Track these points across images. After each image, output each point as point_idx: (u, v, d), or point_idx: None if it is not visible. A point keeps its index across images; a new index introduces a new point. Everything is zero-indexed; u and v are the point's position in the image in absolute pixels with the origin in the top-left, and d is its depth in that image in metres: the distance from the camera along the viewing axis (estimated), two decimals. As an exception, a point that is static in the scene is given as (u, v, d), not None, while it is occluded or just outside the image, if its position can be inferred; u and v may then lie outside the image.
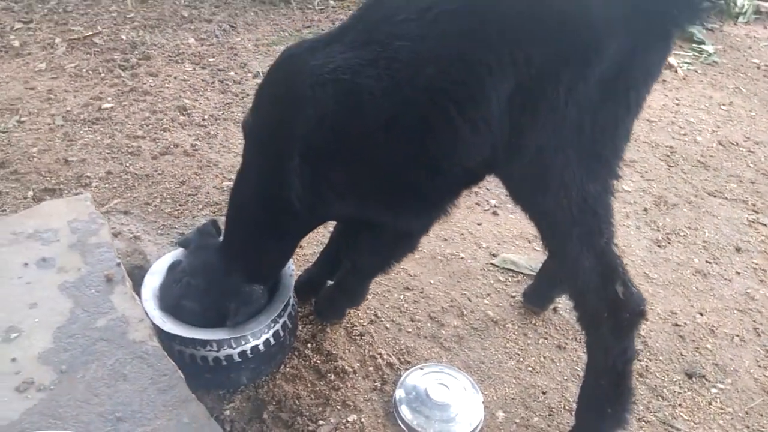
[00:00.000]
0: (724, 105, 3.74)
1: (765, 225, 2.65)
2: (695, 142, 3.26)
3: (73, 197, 1.99)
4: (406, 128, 1.34)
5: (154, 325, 1.60)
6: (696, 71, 4.19)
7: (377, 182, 1.46)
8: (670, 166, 3.01)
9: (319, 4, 4.66)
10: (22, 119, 3.03)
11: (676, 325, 2.09)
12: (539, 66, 1.24)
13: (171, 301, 1.65)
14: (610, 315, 1.40)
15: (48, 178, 2.61)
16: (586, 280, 1.40)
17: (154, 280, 1.73)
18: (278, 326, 1.72)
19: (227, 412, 1.70)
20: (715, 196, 2.81)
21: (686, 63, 4.28)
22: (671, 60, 4.16)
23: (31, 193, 2.52)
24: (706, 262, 2.40)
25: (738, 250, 2.48)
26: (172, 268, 1.71)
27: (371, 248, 1.72)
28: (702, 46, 4.54)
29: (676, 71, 4.11)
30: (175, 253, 1.80)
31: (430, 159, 1.38)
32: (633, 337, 1.47)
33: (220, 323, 1.65)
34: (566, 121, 1.28)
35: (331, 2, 4.72)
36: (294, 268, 1.84)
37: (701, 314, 2.15)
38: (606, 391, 1.50)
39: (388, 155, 1.39)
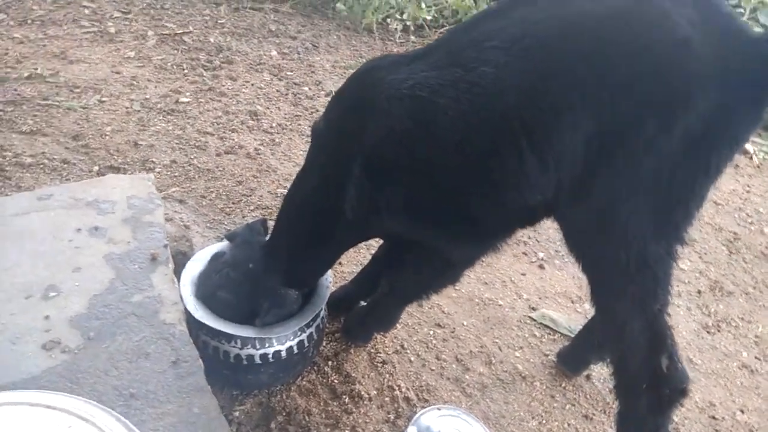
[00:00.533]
0: (798, 201, 3.58)
1: (825, 330, 2.49)
2: (761, 233, 3.12)
3: (137, 175, 2.05)
4: (476, 154, 1.33)
5: (186, 310, 1.62)
6: (773, 162, 4.04)
7: (435, 204, 1.45)
8: (731, 252, 2.89)
9: (399, 38, 4.76)
10: (103, 99, 3.18)
11: (713, 418, 1.97)
12: (624, 111, 1.22)
13: (208, 290, 1.67)
14: (650, 387, 1.34)
15: (115, 157, 2.72)
16: (632, 345, 1.34)
17: (195, 267, 1.75)
18: (304, 336, 1.71)
19: (236, 414, 1.69)
20: (775, 292, 2.67)
21: (763, 151, 4.14)
22: (747, 146, 4.03)
23: (96, 167, 2.63)
24: (755, 357, 2.27)
25: (792, 351, 2.34)
26: (215, 258, 1.73)
27: (414, 271, 1.70)
28: (783, 137, 4.39)
29: (751, 158, 3.98)
30: (221, 245, 1.82)
31: (493, 189, 1.36)
32: (670, 415, 1.38)
33: (250, 321, 1.66)
34: (642, 173, 1.24)
35: (412, 37, 4.81)
36: (331, 280, 1.84)
37: (742, 411, 2.02)
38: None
39: (452, 179, 1.38)
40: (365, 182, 1.42)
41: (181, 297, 1.63)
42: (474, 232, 1.49)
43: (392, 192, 1.45)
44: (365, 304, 1.98)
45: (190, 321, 1.62)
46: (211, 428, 1.37)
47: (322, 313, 1.79)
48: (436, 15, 5.04)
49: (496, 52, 1.29)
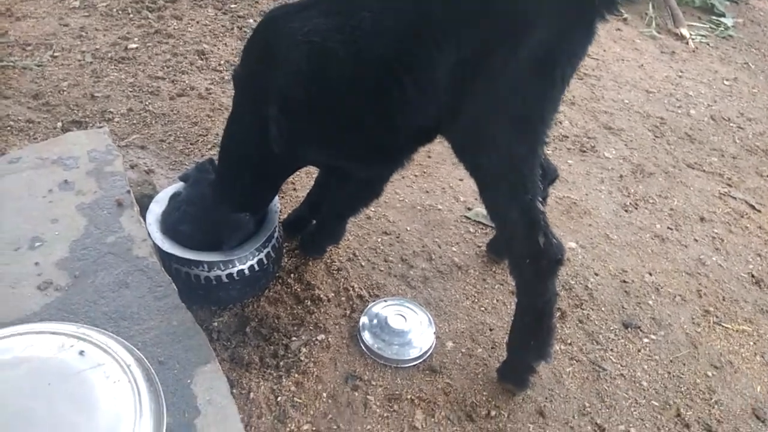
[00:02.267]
0: (727, 80, 3.81)
1: (735, 198, 2.81)
2: (688, 115, 3.38)
3: (93, 130, 2.24)
4: (367, 89, 1.57)
5: (155, 245, 1.88)
6: (708, 44, 4.23)
7: (341, 135, 1.70)
8: (656, 136, 3.15)
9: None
10: (56, 54, 3.29)
11: (624, 281, 2.31)
12: (479, 43, 1.45)
13: (170, 225, 1.93)
14: (532, 261, 1.63)
15: (75, 111, 2.88)
16: (513, 230, 1.62)
17: (157, 207, 2.00)
18: (262, 255, 1.99)
19: (215, 324, 1.99)
20: (693, 168, 2.96)
21: (700, 35, 4.31)
22: (683, 31, 4.21)
23: (60, 124, 2.80)
24: (668, 228, 2.59)
25: (702, 219, 2.65)
26: (173, 197, 1.98)
27: (339, 192, 1.98)
28: (721, 19, 4.55)
29: (687, 43, 4.16)
30: (177, 186, 2.06)
31: (386, 117, 1.61)
32: (552, 281, 1.69)
33: (211, 247, 1.93)
34: (499, 91, 1.48)
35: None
36: (279, 206, 2.09)
37: (650, 274, 2.35)
38: (530, 327, 1.74)
39: (351, 112, 1.62)
40: (282, 120, 1.66)
41: (149, 234, 1.88)
42: (378, 154, 1.75)
43: (306, 127, 1.68)
44: (315, 222, 2.25)
45: (161, 253, 1.88)
46: (189, 335, 1.66)
47: (276, 233, 2.06)
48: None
49: (371, 0, 1.50)
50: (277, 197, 2.07)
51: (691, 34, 4.25)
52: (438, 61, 1.48)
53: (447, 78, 1.49)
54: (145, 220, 1.94)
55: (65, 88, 3.03)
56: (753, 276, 2.41)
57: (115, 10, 3.74)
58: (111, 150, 2.12)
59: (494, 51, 1.45)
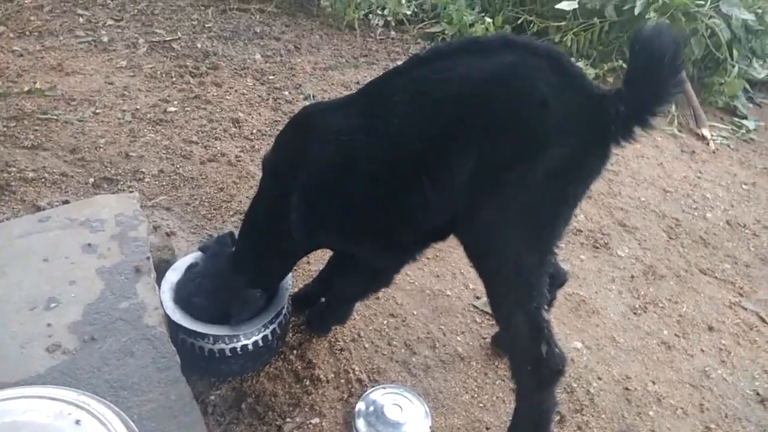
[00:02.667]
0: (746, 184, 3.84)
1: (745, 309, 2.78)
2: (704, 218, 3.40)
3: (124, 194, 2.36)
4: (387, 187, 1.67)
5: (165, 313, 1.94)
6: (729, 146, 4.28)
7: (358, 226, 1.79)
8: (670, 238, 3.17)
9: (380, 34, 4.98)
10: (97, 111, 3.48)
11: (627, 389, 2.29)
12: (499, 155, 1.54)
13: (184, 295, 1.99)
14: (533, 369, 1.66)
15: (109, 168, 3.03)
16: (517, 336, 1.66)
17: (174, 275, 2.08)
18: (268, 331, 2.04)
19: (212, 397, 2.02)
20: (705, 274, 2.96)
21: (722, 136, 4.37)
22: (705, 131, 4.27)
23: (92, 179, 2.94)
24: (675, 335, 2.57)
25: (710, 328, 2.63)
26: (190, 268, 2.05)
27: (350, 277, 2.05)
28: (743, 121, 4.61)
29: (708, 143, 4.22)
30: (196, 255, 2.14)
31: (403, 214, 1.71)
32: (552, 391, 1.70)
33: (220, 321, 1.98)
34: (514, 202, 1.57)
35: (392, 33, 5.04)
36: (291, 283, 2.15)
37: (654, 383, 2.33)
38: (526, 434, 1.75)
39: (371, 206, 1.72)
40: (302, 207, 1.75)
41: (161, 302, 1.95)
42: (391, 247, 1.83)
43: (325, 217, 1.78)
44: (324, 300, 2.30)
45: (170, 323, 1.94)
46: (185, 411, 1.70)
47: (284, 311, 2.11)
48: (416, 10, 5.27)
49: (401, 106, 1.61)
50: (290, 274, 2.14)
51: (712, 135, 4.30)
52: (459, 168, 1.57)
53: (466, 183, 1.58)
54: (160, 287, 2.01)
55: (102, 145, 3.19)
56: (758, 394, 2.36)
57: (159, 72, 3.96)
58: (137, 215, 2.23)
59: (514, 163, 1.53)
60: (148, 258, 2.06)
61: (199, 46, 4.36)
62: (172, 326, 1.95)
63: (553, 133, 1.52)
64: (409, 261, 1.93)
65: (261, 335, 2.02)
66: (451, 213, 1.66)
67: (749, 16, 4.63)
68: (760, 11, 4.81)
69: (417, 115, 1.61)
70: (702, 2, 4.51)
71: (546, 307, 1.66)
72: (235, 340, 1.97)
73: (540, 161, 1.53)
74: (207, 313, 1.97)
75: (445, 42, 4.71)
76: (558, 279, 2.02)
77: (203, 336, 1.94)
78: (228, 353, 1.98)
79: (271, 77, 4.11)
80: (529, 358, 1.65)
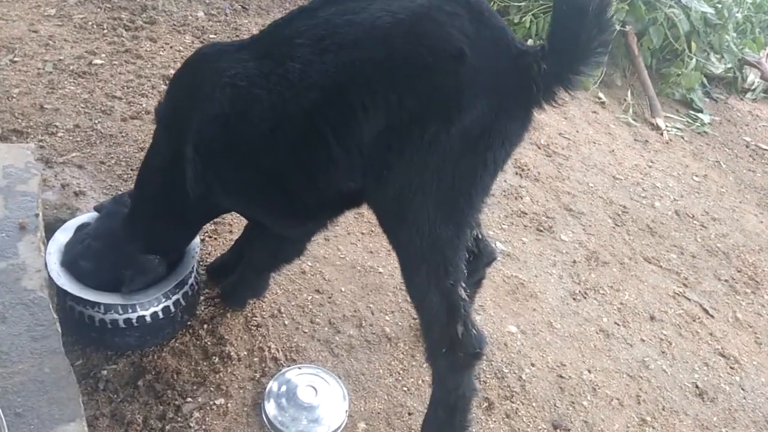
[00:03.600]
0: (697, 176, 3.78)
1: (689, 300, 2.70)
2: (652, 206, 3.31)
3: (17, 144, 2.10)
4: (288, 142, 1.45)
5: (50, 277, 1.71)
6: (683, 138, 4.23)
7: (258, 186, 1.57)
8: (616, 225, 3.07)
9: None
10: (15, 59, 3.16)
11: (561, 376, 2.17)
12: (409, 112, 1.34)
13: (72, 258, 1.76)
14: (448, 352, 1.50)
15: (19, 120, 2.74)
16: (431, 315, 1.50)
17: (63, 236, 1.84)
18: (170, 302, 1.82)
19: (104, 372, 1.80)
20: (649, 262, 2.87)
21: (676, 128, 4.31)
22: (659, 121, 4.21)
23: (0, 131, 2.65)
24: (615, 323, 2.47)
25: (652, 318, 2.54)
26: (80, 228, 1.82)
27: (259, 245, 1.84)
28: (699, 114, 4.57)
29: (661, 134, 4.15)
30: (90, 215, 1.91)
31: (306, 175, 1.49)
32: (468, 375, 1.55)
33: (114, 287, 1.76)
34: (427, 166, 1.38)
35: None
36: (198, 251, 1.94)
37: (589, 371, 2.22)
38: (442, 422, 1.59)
39: (270, 163, 1.50)
40: (198, 162, 1.53)
41: (46, 264, 1.71)
42: (297, 212, 1.62)
43: (222, 173, 1.55)
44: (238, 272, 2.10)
45: (57, 288, 1.71)
46: (59, 386, 1.48)
47: (192, 280, 1.90)
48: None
49: (303, 49, 1.41)
50: (198, 240, 1.92)
51: (666, 126, 4.25)
52: (365, 125, 1.37)
53: (374, 144, 1.39)
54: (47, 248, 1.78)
55: (15, 95, 2.89)
56: (697, 387, 2.28)
57: (90, 23, 3.65)
58: (30, 168, 1.98)
59: (426, 123, 1.35)
60: (36, 215, 1.82)
61: (137, -1, 4.05)
62: (59, 292, 1.72)
63: (469, 90, 1.34)
64: (319, 229, 1.73)
65: (161, 306, 1.80)
66: (360, 175, 1.46)
67: (709, 10, 4.58)
68: (719, 6, 4.77)
69: (317, 62, 1.40)
70: (664, -10, 4.43)
71: (463, 284, 1.49)
72: (129, 310, 1.75)
73: (454, 122, 1.35)
74: (96, 278, 1.74)
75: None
76: (485, 257, 1.86)
77: (93, 304, 1.72)
78: (122, 324, 1.76)
79: (212, 36, 3.84)
80: (444, 340, 1.49)
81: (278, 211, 1.62)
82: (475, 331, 1.49)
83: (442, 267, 1.45)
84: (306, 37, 1.42)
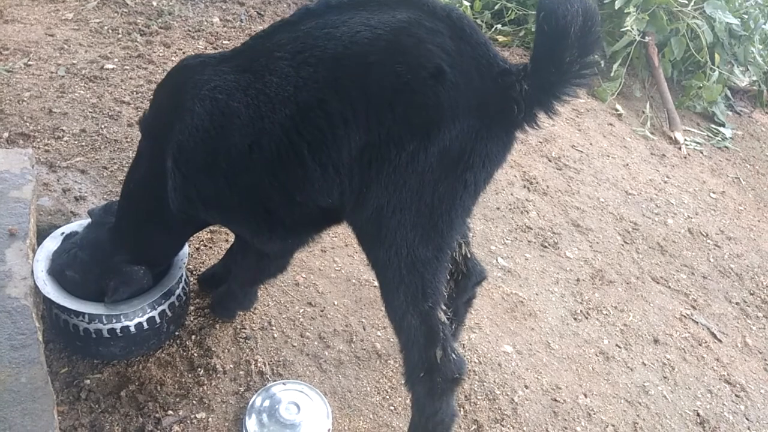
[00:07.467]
0: (714, 193, 3.67)
1: (696, 323, 2.61)
2: (664, 224, 3.22)
3: (14, 150, 2.12)
4: (265, 157, 1.43)
5: (35, 285, 1.71)
6: (702, 152, 4.11)
7: (237, 201, 1.55)
8: (625, 242, 2.99)
9: (351, 8, 4.74)
10: (30, 63, 3.21)
11: (555, 400, 2.10)
12: (387, 130, 1.31)
13: (58, 267, 1.76)
14: (426, 376, 1.46)
15: (27, 124, 2.78)
16: (409, 338, 1.47)
17: (52, 243, 1.84)
18: (155, 313, 1.82)
19: (88, 381, 1.80)
20: (657, 282, 2.79)
21: (695, 142, 4.20)
22: (678, 135, 4.10)
23: (7, 134, 2.69)
24: (616, 345, 2.39)
25: (655, 341, 2.46)
26: (68, 237, 1.82)
27: (242, 259, 1.83)
28: (720, 128, 4.44)
29: (679, 148, 4.04)
30: (81, 223, 1.91)
31: (284, 190, 1.47)
32: (447, 401, 1.51)
33: (100, 297, 1.76)
34: (405, 186, 1.34)
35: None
36: (186, 261, 1.93)
37: (585, 395, 2.15)
38: (419, 448, 1.55)
39: (248, 178, 1.48)
40: (177, 175, 1.52)
41: (32, 272, 1.72)
42: (276, 228, 1.59)
43: (201, 186, 1.54)
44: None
45: (42, 296, 1.71)
46: (34, 397, 1.48)
47: (179, 291, 1.89)
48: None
49: (281, 63, 1.38)
50: (186, 250, 1.91)
51: (685, 140, 4.13)
52: (342, 142, 1.34)
53: (352, 161, 1.36)
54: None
55: (26, 99, 2.94)
56: (699, 415, 2.20)
57: (106, 27, 3.70)
58: (25, 174, 1.99)
59: (404, 142, 1.31)
60: (27, 222, 1.83)
61: (154, 3, 4.09)
62: (46, 300, 1.72)
63: (449, 109, 1.30)
64: (301, 245, 1.70)
65: (146, 317, 1.80)
66: (337, 193, 1.43)
67: (734, 20, 4.45)
68: (745, 16, 4.64)
69: (295, 76, 1.37)
70: (686, 1, 4.32)
71: (443, 307, 1.45)
72: (114, 321, 1.75)
73: (433, 141, 1.32)
74: (81, 288, 1.74)
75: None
76: (475, 276, 1.81)
77: (77, 313, 1.72)
78: (106, 334, 1.76)
79: (225, 42, 3.85)
80: (422, 364, 1.46)
81: (257, 226, 1.60)
82: (454, 356, 1.46)
83: (420, 289, 1.42)
84: (285, 50, 1.40)
